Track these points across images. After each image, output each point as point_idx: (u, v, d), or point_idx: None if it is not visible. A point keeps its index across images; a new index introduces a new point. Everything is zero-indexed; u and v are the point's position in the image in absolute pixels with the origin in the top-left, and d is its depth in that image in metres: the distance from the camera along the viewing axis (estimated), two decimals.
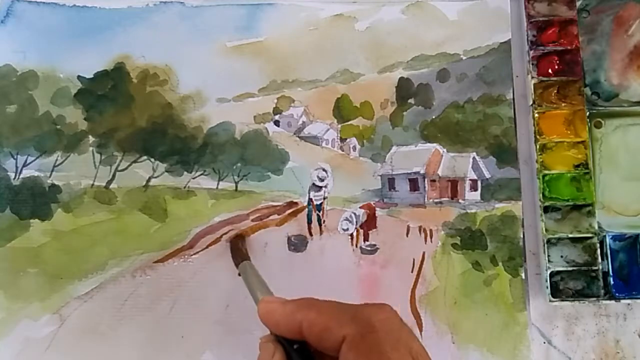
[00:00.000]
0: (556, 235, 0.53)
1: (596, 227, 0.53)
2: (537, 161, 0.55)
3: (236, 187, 0.58)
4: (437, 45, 0.61)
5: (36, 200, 0.56)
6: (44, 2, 0.60)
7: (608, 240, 0.53)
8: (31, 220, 0.56)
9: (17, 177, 0.57)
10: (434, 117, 0.60)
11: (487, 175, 0.58)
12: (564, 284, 0.53)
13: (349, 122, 0.60)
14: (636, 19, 0.58)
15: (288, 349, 0.34)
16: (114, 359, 0.53)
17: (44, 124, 0.58)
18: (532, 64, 0.57)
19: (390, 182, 0.59)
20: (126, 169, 0.58)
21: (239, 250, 0.52)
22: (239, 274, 0.49)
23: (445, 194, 0.59)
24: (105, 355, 0.53)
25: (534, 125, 0.56)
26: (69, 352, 0.53)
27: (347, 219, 0.57)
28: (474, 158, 0.59)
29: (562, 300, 0.52)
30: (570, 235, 0.53)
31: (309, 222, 0.57)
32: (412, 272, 0.56)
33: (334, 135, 0.60)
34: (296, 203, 0.58)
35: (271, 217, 0.57)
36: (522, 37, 0.59)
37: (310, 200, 0.58)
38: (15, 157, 0.57)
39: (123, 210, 0.57)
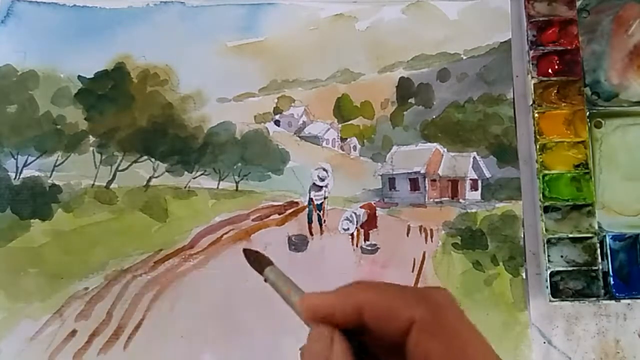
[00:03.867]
0: (556, 235, 0.53)
1: (596, 227, 0.53)
2: (537, 161, 0.55)
3: (237, 186, 0.58)
4: (437, 44, 0.61)
5: (37, 200, 0.56)
6: (44, 2, 0.60)
7: (608, 240, 0.53)
8: (32, 220, 0.56)
9: (17, 177, 0.57)
10: (434, 116, 0.60)
11: (488, 175, 0.58)
12: (564, 284, 0.53)
13: (349, 122, 0.60)
14: (636, 19, 0.58)
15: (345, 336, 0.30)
16: (114, 359, 0.53)
17: (44, 124, 0.58)
18: (532, 64, 0.57)
19: (390, 181, 0.59)
20: (127, 168, 0.58)
21: (258, 257, 0.52)
22: (265, 280, 0.48)
23: (446, 193, 0.59)
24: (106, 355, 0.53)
25: (534, 125, 0.56)
26: (69, 351, 0.53)
27: (347, 219, 0.57)
28: (474, 157, 0.59)
29: (562, 300, 0.52)
30: (570, 235, 0.53)
31: (310, 221, 0.57)
32: (412, 271, 0.56)
33: (335, 134, 0.60)
34: (297, 203, 0.58)
35: (272, 217, 0.57)
36: (522, 37, 0.59)
37: (310, 200, 0.58)
38: (15, 157, 0.57)
39: (124, 210, 0.57)
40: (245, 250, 0.54)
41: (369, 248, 0.57)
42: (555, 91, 0.57)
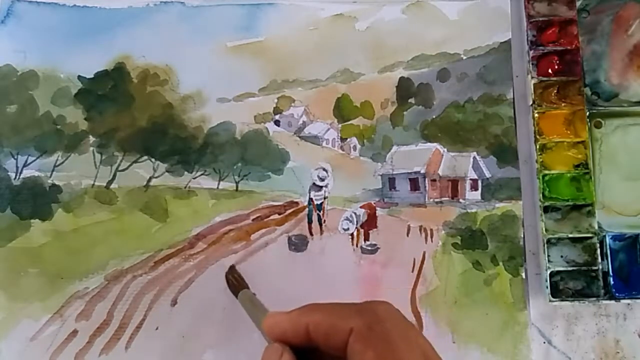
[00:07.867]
0: (556, 235, 0.53)
1: (596, 227, 0.53)
2: (537, 161, 0.55)
3: (237, 187, 0.58)
4: (437, 45, 0.61)
5: (37, 200, 0.56)
6: (44, 2, 0.60)
7: (608, 240, 0.53)
8: (32, 220, 0.56)
9: (17, 177, 0.57)
10: (434, 116, 0.60)
11: (488, 175, 0.58)
12: (564, 284, 0.53)
13: (349, 122, 0.60)
14: (636, 19, 0.58)
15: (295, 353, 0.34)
16: (114, 359, 0.53)
17: (44, 124, 0.58)
18: (532, 64, 0.57)
19: (390, 181, 0.59)
20: (127, 169, 0.58)
21: (234, 280, 0.52)
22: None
23: (446, 193, 0.59)
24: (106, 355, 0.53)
25: (534, 125, 0.56)
26: (70, 352, 0.53)
27: (347, 219, 0.57)
28: (474, 157, 0.59)
29: (562, 300, 0.52)
30: (570, 235, 0.53)
31: (310, 221, 0.57)
32: (412, 271, 0.56)
33: (335, 134, 0.60)
34: (297, 203, 0.58)
35: (272, 217, 0.57)
36: (522, 37, 0.59)
37: (310, 199, 0.58)
38: (15, 157, 0.57)
39: (124, 210, 0.57)
40: (226, 276, 0.54)
41: (369, 248, 0.57)
42: (555, 91, 0.57)
